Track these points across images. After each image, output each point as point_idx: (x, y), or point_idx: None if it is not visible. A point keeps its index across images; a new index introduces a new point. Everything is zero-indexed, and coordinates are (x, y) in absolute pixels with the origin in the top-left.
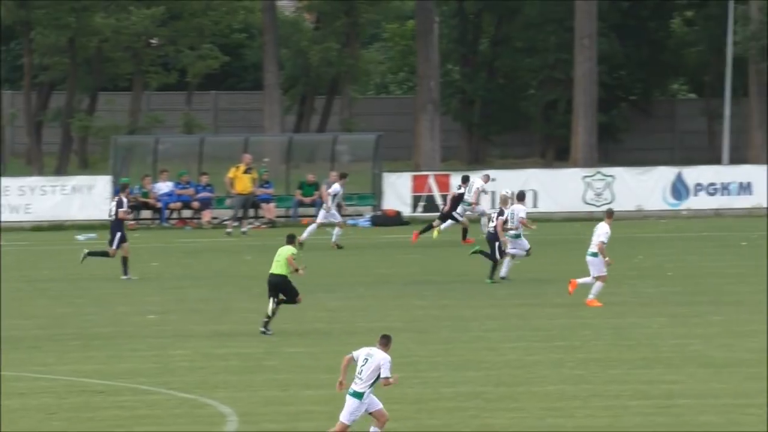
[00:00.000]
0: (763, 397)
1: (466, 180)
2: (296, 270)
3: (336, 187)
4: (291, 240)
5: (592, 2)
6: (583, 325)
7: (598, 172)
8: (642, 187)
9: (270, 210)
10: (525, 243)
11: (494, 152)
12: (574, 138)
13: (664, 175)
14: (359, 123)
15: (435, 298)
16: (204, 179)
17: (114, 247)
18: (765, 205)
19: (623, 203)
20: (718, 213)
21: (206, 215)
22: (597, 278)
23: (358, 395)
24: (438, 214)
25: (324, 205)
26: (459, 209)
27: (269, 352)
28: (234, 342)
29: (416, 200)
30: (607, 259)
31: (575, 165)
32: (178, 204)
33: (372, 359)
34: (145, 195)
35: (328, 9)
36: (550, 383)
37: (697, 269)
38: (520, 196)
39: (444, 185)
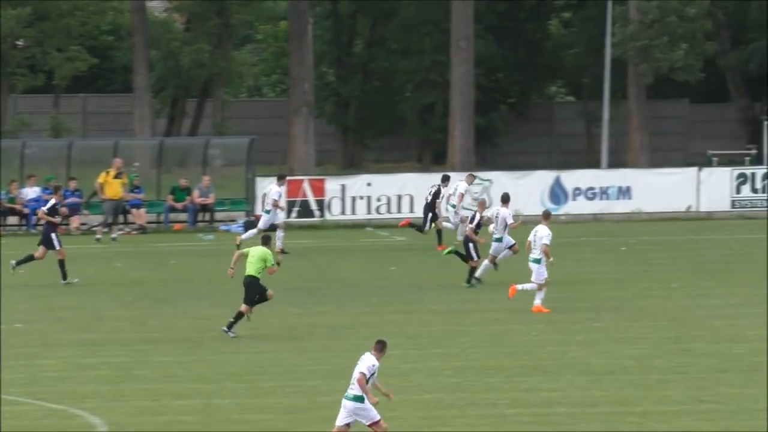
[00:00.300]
0: (642, 405)
1: (446, 179)
2: (271, 270)
3: (277, 190)
4: (266, 241)
5: (468, 3)
6: (461, 332)
7: (476, 177)
8: (520, 192)
9: (140, 216)
10: (509, 239)
11: (370, 156)
12: (451, 142)
13: (542, 179)
14: (232, 126)
15: (310, 306)
16: (72, 184)
17: None
18: (645, 210)
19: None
20: (597, 218)
21: (75, 221)
22: (538, 285)
23: (359, 398)
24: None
25: (265, 209)
26: (446, 212)
27: (139, 361)
28: (103, 351)
29: (290, 205)
30: (551, 260)
31: (452, 169)
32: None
33: (360, 362)
34: (12, 201)
35: (199, 10)
36: (426, 392)
37: (576, 275)
38: (505, 199)
39: (318, 190)
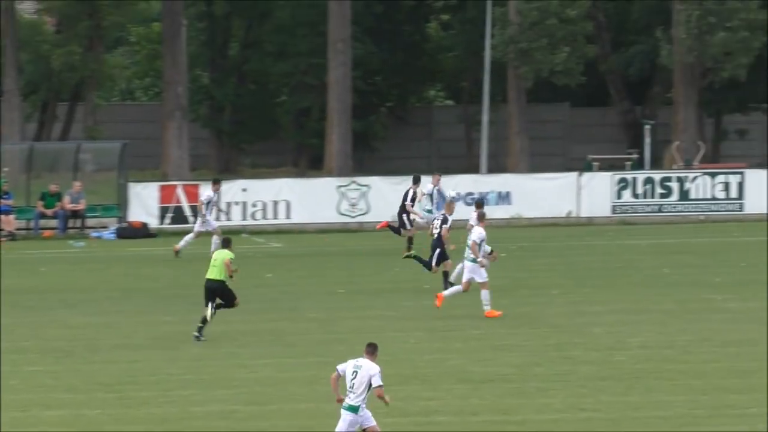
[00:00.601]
0: (522, 413)
1: (417, 180)
2: (231, 275)
3: (209, 194)
4: (227, 244)
5: (345, 5)
6: (338, 341)
7: (353, 182)
8: (399, 197)
9: (9, 222)
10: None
11: (245, 161)
12: (328, 146)
13: (421, 184)
14: (104, 131)
15: (184, 314)
16: None
17: None
18: (524, 215)
19: (379, 214)
20: None
21: None
22: (481, 285)
23: (354, 408)
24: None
25: (198, 214)
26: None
27: (9, 371)
28: None
29: (164, 211)
30: (480, 259)
31: (329, 174)
32: None
33: (361, 370)
34: None
35: (70, 11)
36: (303, 401)
37: (455, 281)
38: (479, 204)
39: (193, 195)
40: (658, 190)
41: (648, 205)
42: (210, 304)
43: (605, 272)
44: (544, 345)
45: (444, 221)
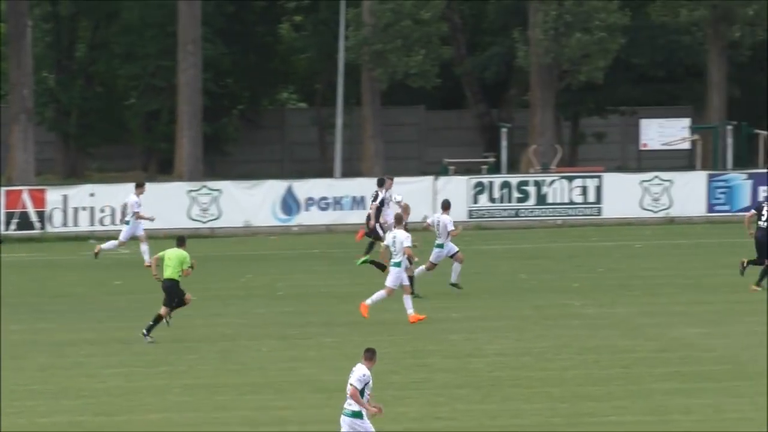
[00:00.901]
0: (377, 423)
1: (382, 183)
2: (186, 274)
3: (136, 200)
4: (182, 242)
5: (195, 5)
6: (189, 349)
7: (204, 186)
8: (250, 202)
9: None
10: (452, 246)
11: (93, 165)
12: (178, 150)
13: (273, 188)
14: None
15: (31, 322)
16: None
17: None
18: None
19: (231, 219)
20: (330, 229)
21: None
22: (405, 290)
23: (357, 414)
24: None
25: (125, 220)
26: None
27: None
28: None
29: (9, 217)
30: (416, 260)
31: (180, 178)
32: None
33: (353, 374)
34: None
35: None
36: (154, 411)
37: (309, 288)
38: (446, 205)
39: (39, 201)
40: (515, 195)
41: (505, 209)
42: (168, 306)
43: (462, 278)
44: (401, 352)
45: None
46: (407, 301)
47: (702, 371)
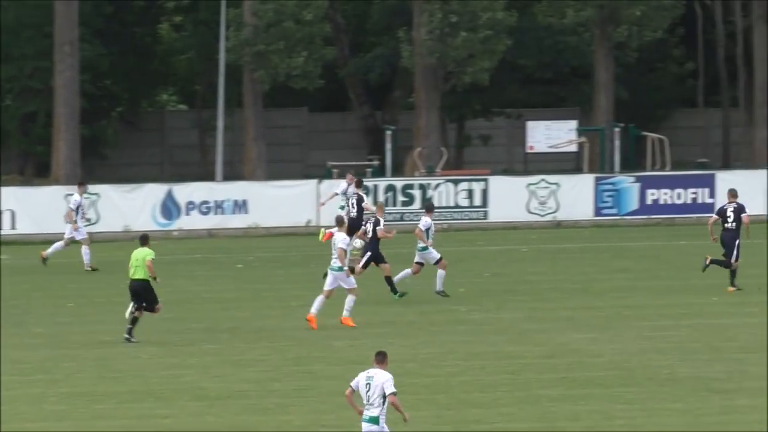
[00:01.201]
0: (260, 431)
1: (360, 184)
2: (154, 278)
3: (77, 198)
4: (145, 241)
5: (72, 5)
6: (66, 357)
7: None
8: (130, 206)
9: None
10: (434, 253)
11: None
12: (55, 153)
13: (153, 192)
14: None
15: None
16: None
17: None
18: (262, 225)
19: (110, 223)
20: (211, 233)
21: None
22: (349, 291)
23: (374, 420)
24: None
25: (68, 220)
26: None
27: None
28: None
29: None
30: (349, 268)
31: (57, 182)
32: None
33: (374, 381)
34: None
35: None
36: (29, 420)
37: (190, 294)
38: (429, 208)
39: None
40: (400, 198)
41: (389, 213)
42: (132, 305)
43: None
44: (283, 359)
45: (377, 223)
46: (349, 302)
47: (590, 377)
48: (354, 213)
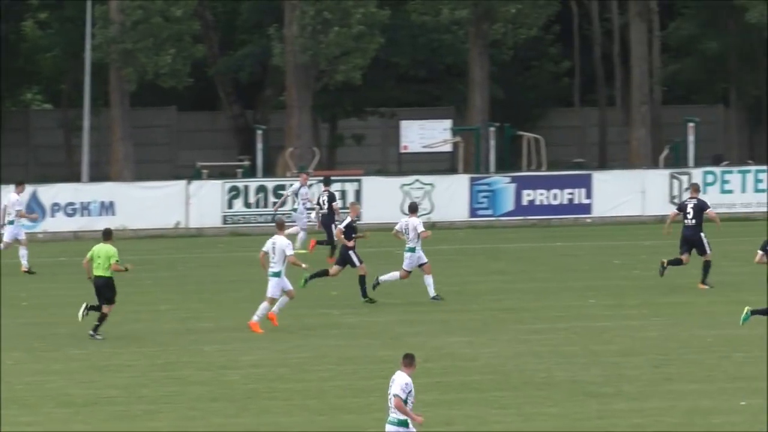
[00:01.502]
0: None
1: (328, 182)
2: (125, 269)
3: (14, 197)
4: (108, 236)
5: None
6: None
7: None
8: None
9: None
10: (422, 255)
11: None
12: None
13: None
14: None
15: None
16: None
17: None
18: (130, 227)
19: None
20: (77, 235)
21: None
22: (286, 293)
23: (403, 423)
24: None
25: (9, 220)
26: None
27: None
28: None
29: None
30: (305, 266)
31: None
32: None
33: (394, 383)
34: None
35: None
36: None
37: (55, 298)
38: (413, 208)
39: None
40: (272, 199)
41: (261, 214)
42: (85, 304)
43: (216, 286)
44: (152, 365)
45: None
46: (282, 302)
47: (465, 381)
48: (325, 210)
